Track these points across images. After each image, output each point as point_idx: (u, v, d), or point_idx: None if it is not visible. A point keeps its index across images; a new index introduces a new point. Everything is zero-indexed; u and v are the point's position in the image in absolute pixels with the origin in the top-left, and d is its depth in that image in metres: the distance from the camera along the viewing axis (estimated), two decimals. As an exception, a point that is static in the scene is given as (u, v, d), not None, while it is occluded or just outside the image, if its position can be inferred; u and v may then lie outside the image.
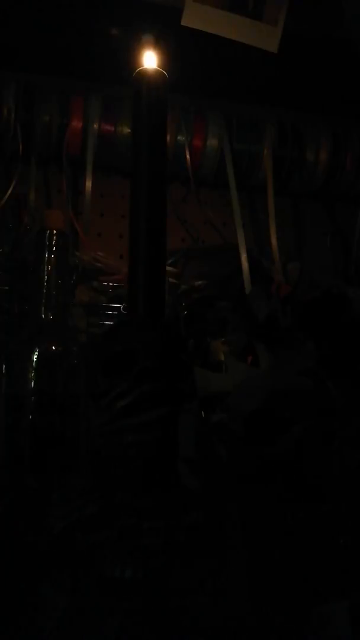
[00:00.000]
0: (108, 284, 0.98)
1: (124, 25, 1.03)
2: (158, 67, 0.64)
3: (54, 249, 0.75)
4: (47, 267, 0.75)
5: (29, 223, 1.00)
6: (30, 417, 0.70)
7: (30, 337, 0.74)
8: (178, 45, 0.85)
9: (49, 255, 0.75)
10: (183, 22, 0.98)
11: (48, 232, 0.76)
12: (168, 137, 1.02)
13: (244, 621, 0.54)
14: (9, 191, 1.03)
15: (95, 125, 1.07)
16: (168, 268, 0.91)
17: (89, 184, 1.07)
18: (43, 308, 0.75)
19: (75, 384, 0.72)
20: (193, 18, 0.99)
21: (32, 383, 0.71)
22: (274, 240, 1.10)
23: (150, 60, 0.65)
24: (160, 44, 0.69)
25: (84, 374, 0.73)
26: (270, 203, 1.12)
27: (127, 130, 1.07)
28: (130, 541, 0.52)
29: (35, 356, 0.72)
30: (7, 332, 0.82)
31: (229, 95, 1.14)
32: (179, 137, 1.09)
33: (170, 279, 0.97)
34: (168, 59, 0.66)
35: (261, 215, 1.16)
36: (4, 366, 0.73)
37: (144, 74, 0.64)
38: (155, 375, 0.54)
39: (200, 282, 1.00)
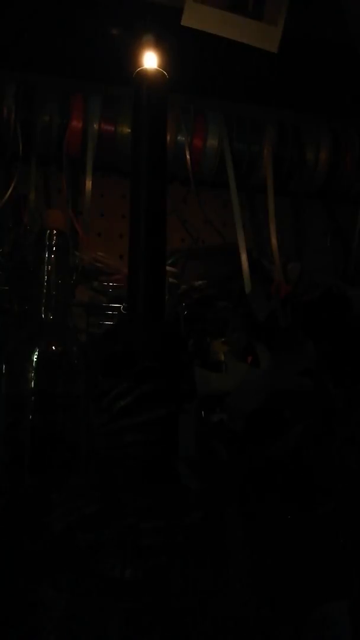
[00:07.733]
0: (108, 284, 0.98)
1: (124, 25, 1.03)
2: (158, 67, 0.64)
3: (54, 249, 0.75)
4: (47, 267, 0.75)
5: (29, 223, 1.00)
6: (30, 417, 0.70)
7: (30, 337, 0.74)
8: (178, 45, 0.85)
9: (49, 255, 0.75)
10: (183, 22, 0.98)
11: (48, 232, 0.76)
12: (168, 137, 1.02)
13: (244, 621, 0.54)
14: (9, 191, 1.03)
15: (95, 125, 1.07)
16: (168, 268, 0.91)
17: (89, 184, 1.07)
18: (43, 308, 0.75)
19: (75, 384, 0.72)
20: (193, 18, 0.99)
21: (32, 383, 0.71)
22: (274, 240, 1.10)
23: (150, 60, 0.65)
24: (160, 44, 0.69)
25: (84, 374, 0.73)
26: (271, 203, 1.12)
27: (127, 130, 1.07)
28: (130, 541, 0.52)
29: (35, 356, 0.72)
30: (7, 332, 0.82)
31: (229, 95, 1.14)
32: (179, 137, 1.09)
33: (170, 279, 0.97)
34: (168, 59, 0.66)
35: (261, 215, 1.16)
36: (4, 366, 0.73)
37: (144, 74, 0.64)
38: (155, 375, 0.54)
39: (200, 282, 1.00)
